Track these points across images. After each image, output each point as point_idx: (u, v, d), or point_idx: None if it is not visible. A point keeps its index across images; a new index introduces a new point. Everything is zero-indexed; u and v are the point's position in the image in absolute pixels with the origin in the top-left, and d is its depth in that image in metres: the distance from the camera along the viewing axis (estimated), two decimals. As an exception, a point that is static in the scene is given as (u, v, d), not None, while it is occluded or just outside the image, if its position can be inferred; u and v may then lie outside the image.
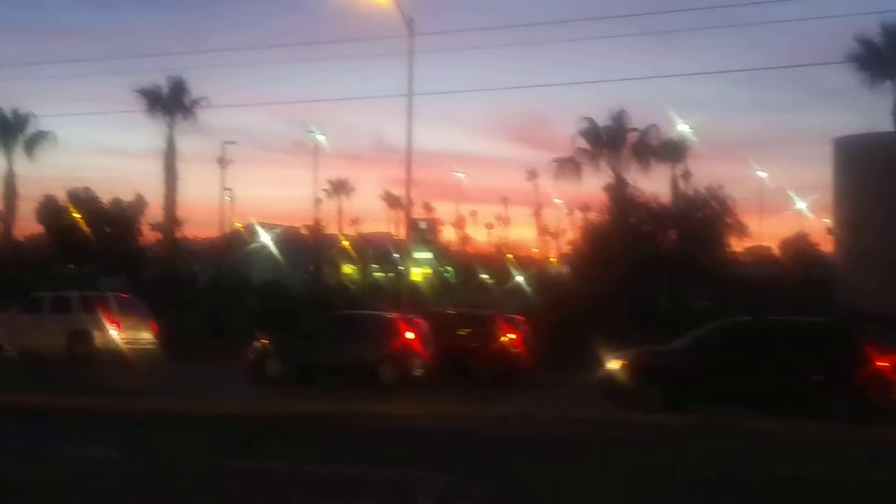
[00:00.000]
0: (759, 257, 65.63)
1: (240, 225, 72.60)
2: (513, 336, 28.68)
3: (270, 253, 66.61)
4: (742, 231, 50.32)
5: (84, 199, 59.10)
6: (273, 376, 27.78)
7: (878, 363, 19.27)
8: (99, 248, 57.47)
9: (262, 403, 20.81)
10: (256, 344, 29.10)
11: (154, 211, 56.86)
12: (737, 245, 53.03)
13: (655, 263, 41.86)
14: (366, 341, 27.19)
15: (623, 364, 21.55)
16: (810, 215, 68.97)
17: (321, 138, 77.48)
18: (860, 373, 19.35)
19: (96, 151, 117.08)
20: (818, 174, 58.21)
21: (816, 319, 24.29)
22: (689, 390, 20.73)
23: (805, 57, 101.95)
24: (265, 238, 67.52)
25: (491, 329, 28.94)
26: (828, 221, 50.87)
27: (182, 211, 55.25)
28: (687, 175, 51.29)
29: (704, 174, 54.92)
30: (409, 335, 27.08)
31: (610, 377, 21.63)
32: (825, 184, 45.93)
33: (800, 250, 62.54)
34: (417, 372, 26.84)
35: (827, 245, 52.09)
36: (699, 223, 44.98)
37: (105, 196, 59.74)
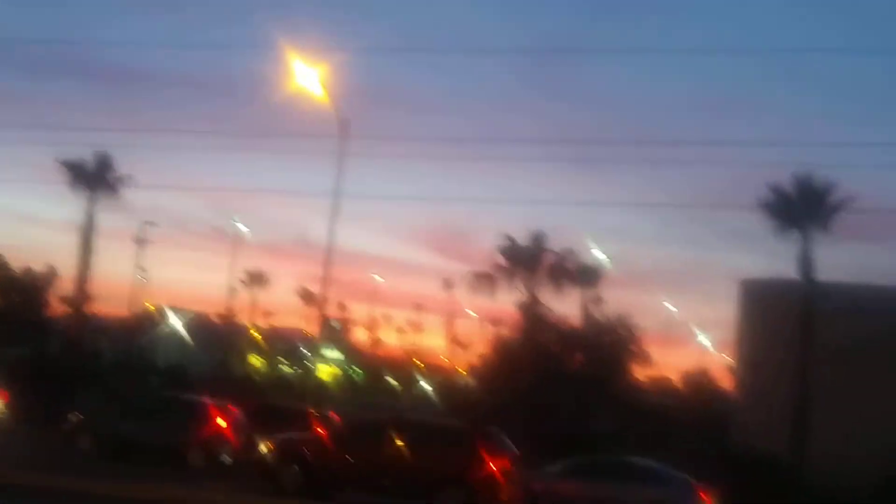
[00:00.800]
0: (661, 387, 66.23)
1: (151, 306, 71.63)
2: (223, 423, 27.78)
3: (179, 337, 65.72)
4: (646, 360, 50.69)
5: None
6: (85, 450, 27.24)
7: (491, 466, 20.96)
8: (5, 316, 55.94)
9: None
10: (72, 417, 28.97)
11: (66, 284, 55.57)
12: (640, 373, 53.61)
13: (560, 383, 42.00)
14: (178, 424, 26.79)
15: (270, 448, 22.67)
16: (712, 350, 70.35)
17: (243, 228, 77.32)
18: (474, 472, 20.90)
19: (13, 218, 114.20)
20: (721, 311, 59.40)
21: (444, 421, 25.71)
22: (327, 476, 21.84)
23: (715, 198, 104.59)
24: (175, 322, 66.74)
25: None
26: (728, 358, 51.75)
27: (94, 286, 53.98)
28: (598, 300, 51.85)
29: (614, 300, 55.14)
30: (221, 422, 26.98)
31: (260, 459, 22.84)
32: (728, 321, 46.74)
33: (700, 384, 63.45)
34: (226, 459, 26.61)
35: (726, 381, 52.92)
36: (606, 348, 45.38)
37: (15, 264, 58.29)
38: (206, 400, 28.82)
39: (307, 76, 28.88)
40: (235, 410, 28.09)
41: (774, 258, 43.01)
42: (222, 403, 28.30)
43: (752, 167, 57.13)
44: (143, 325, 68.73)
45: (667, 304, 76.58)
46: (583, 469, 25.06)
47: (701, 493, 23.88)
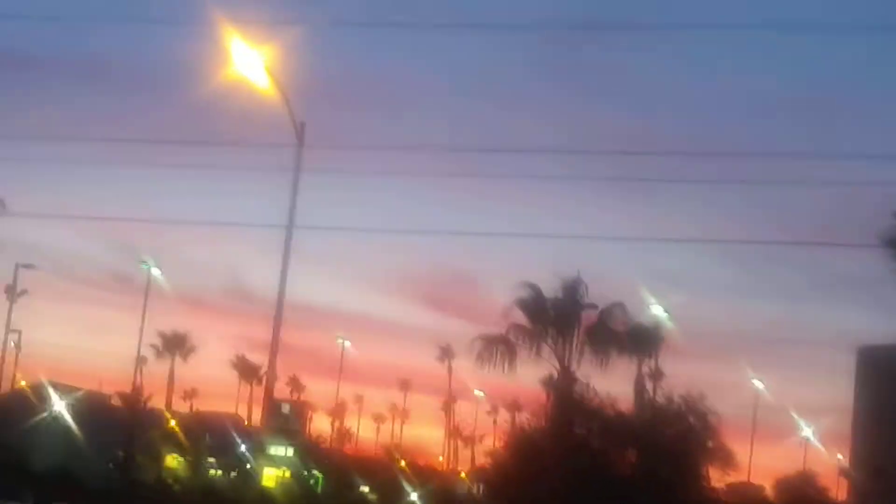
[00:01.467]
0: (746, 498, 66.21)
1: (25, 383, 71.51)
2: None
3: (65, 427, 65.48)
4: (727, 460, 50.82)
5: None
6: None
7: None
8: None
9: None
10: None
11: None
12: (717, 478, 53.53)
13: (604, 490, 42.02)
14: None
15: None
16: (819, 445, 70.17)
17: (156, 272, 77.28)
18: None
19: None
20: (833, 389, 59.18)
21: None
22: None
23: (817, 232, 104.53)
24: (59, 404, 66.43)
25: None
26: (841, 457, 51.80)
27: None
28: (657, 375, 51.98)
29: (680, 375, 55.06)
30: None
31: None
32: (841, 404, 46.77)
33: (801, 492, 63.41)
34: None
35: (839, 490, 52.97)
36: (669, 443, 45.30)
37: None
38: None
39: (249, 61, 29.04)
40: None
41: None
42: None
43: (868, 189, 57.38)
44: (13, 411, 68.58)
45: (755, 380, 76.45)
46: None
47: None
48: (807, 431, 71.00)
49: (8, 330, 65.78)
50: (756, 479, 71.48)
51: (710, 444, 47.06)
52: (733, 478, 62.99)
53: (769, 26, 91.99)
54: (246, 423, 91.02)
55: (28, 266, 66.40)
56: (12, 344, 67.02)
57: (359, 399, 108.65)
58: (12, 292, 64.52)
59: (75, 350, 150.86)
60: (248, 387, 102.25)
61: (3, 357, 66.29)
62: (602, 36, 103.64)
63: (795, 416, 72.70)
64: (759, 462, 73.85)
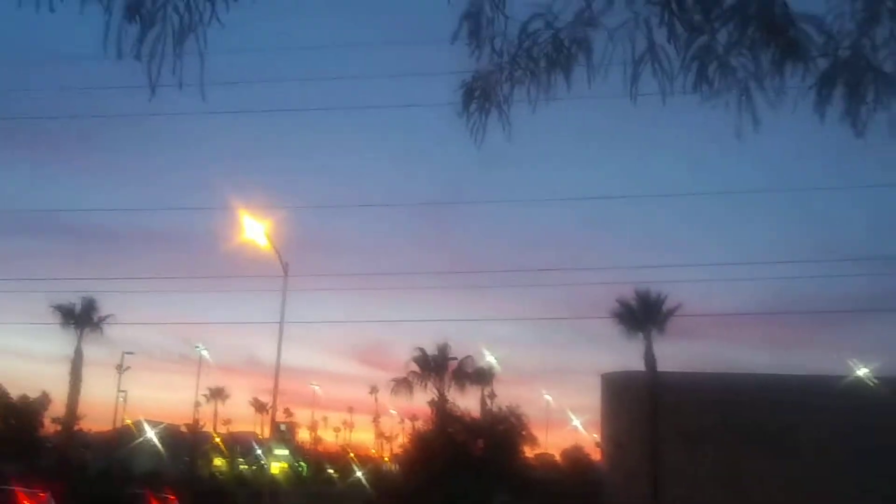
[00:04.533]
0: (546, 462, 65.99)
1: (130, 421, 69.15)
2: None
3: (154, 446, 63.35)
4: (533, 441, 51.06)
5: None
6: None
7: None
8: (2, 437, 54.22)
9: None
10: None
11: (58, 407, 53.91)
12: (529, 452, 53.51)
13: (466, 465, 41.60)
14: None
15: None
16: (584, 431, 70.41)
17: (204, 353, 75.99)
18: None
19: (11, 354, 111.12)
20: (589, 399, 59.86)
21: None
22: None
23: (579, 311, 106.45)
24: (150, 433, 64.31)
25: None
26: (596, 437, 51.94)
27: (82, 407, 52.48)
28: (492, 395, 51.99)
29: (505, 395, 55.34)
30: None
31: None
32: (595, 408, 47.08)
33: (576, 458, 63.32)
34: None
35: (596, 455, 52.94)
36: (501, 434, 45.17)
37: (14, 392, 56.96)
38: None
39: (255, 230, 28.97)
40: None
41: (626, 356, 43.70)
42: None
43: (606, 285, 58.51)
44: (123, 438, 66.29)
45: (546, 395, 76.78)
46: None
47: None
48: (576, 423, 71.03)
49: (118, 391, 63.72)
50: (550, 451, 71.31)
51: (523, 433, 47.07)
52: (537, 451, 63.17)
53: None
54: (260, 436, 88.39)
55: (129, 352, 64.55)
56: (122, 398, 64.82)
57: (324, 419, 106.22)
58: (121, 368, 62.68)
59: (159, 400, 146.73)
60: (261, 416, 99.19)
61: (116, 407, 64.17)
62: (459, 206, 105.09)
63: (570, 415, 73.04)
64: (551, 442, 73.93)
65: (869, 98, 4.33)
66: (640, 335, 38.82)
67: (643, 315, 38.78)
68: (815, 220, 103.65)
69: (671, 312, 38.75)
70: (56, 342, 51.63)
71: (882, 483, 35.06)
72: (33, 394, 57.15)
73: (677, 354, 74.07)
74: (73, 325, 49.64)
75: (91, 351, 51.15)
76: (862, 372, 37.53)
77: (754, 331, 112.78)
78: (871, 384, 36.77)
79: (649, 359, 38.62)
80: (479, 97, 4.48)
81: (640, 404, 37.67)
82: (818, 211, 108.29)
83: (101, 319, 50.17)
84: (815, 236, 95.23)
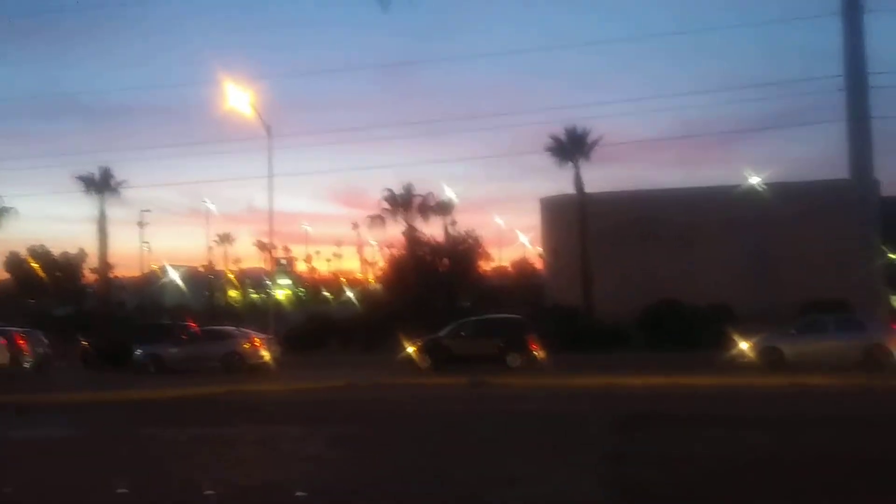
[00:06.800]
0: (500, 273, 67.69)
1: (155, 266, 69.38)
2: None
3: (177, 285, 63.90)
4: (488, 257, 52.17)
5: (39, 254, 56.48)
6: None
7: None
8: (52, 288, 54.48)
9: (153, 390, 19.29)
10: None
11: (93, 260, 54.01)
12: (485, 266, 54.67)
13: (435, 280, 42.56)
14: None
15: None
16: (529, 246, 71.79)
17: (211, 206, 75.14)
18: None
19: (48, 220, 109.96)
20: (532, 221, 60.97)
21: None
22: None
23: (520, 147, 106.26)
24: (173, 275, 64.67)
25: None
26: (539, 249, 53.16)
27: (113, 258, 52.52)
28: (453, 223, 52.35)
29: (463, 223, 56.08)
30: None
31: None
32: (537, 227, 47.91)
33: (523, 267, 65.13)
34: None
35: (539, 264, 54.43)
36: (462, 253, 45.86)
37: (56, 251, 56.93)
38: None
39: (240, 98, 28.05)
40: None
41: (560, 182, 44.08)
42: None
43: (540, 125, 58.19)
44: (150, 281, 66.79)
45: (497, 220, 77.74)
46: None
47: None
48: (523, 240, 72.12)
49: (141, 242, 63.54)
50: (503, 265, 72.92)
51: (480, 251, 47.88)
52: (492, 265, 64.69)
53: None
54: (265, 270, 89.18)
55: (146, 210, 63.54)
56: (146, 248, 64.74)
57: (317, 252, 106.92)
58: (141, 223, 62.16)
59: (177, 247, 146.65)
60: (264, 253, 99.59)
61: (141, 256, 64.29)
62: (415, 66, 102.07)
63: (519, 233, 74.14)
64: (504, 257, 75.42)
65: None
66: (571, 164, 39.02)
67: (571, 147, 38.84)
68: (714, 55, 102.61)
69: (595, 143, 38.86)
70: (83, 208, 51.03)
71: (760, 270, 36.89)
72: (72, 250, 57.10)
73: (603, 178, 74.98)
74: (94, 191, 49.03)
75: (113, 212, 50.62)
76: (754, 181, 38.28)
77: (667, 154, 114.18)
78: (760, 190, 37.70)
79: (578, 183, 39.07)
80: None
81: (572, 221, 38.45)
82: (716, 47, 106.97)
83: (118, 185, 49.47)
84: (716, 68, 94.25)
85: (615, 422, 11.99)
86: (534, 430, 11.92)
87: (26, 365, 26.66)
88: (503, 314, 27.55)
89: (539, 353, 23.95)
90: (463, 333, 24.86)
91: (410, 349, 24.52)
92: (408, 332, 25.45)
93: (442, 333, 25.02)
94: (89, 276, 57.12)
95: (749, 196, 37.59)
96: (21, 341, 27.12)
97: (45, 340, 29.10)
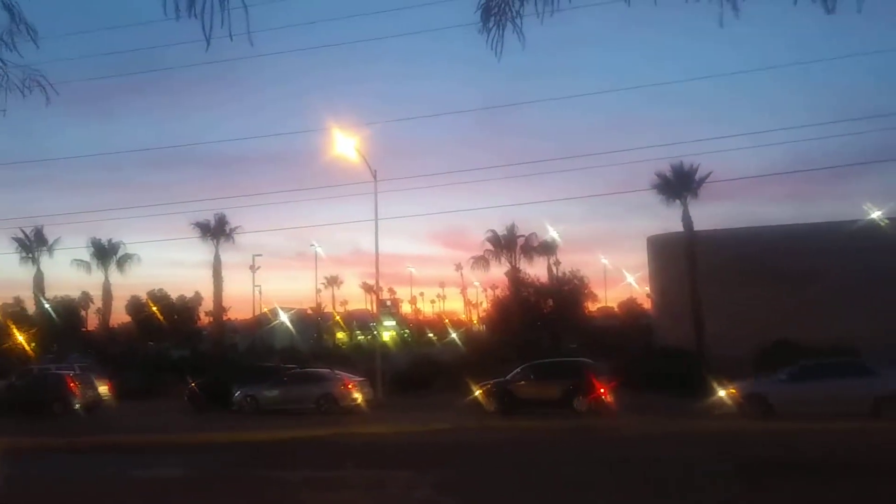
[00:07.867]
0: (606, 314, 66.31)
1: (266, 309, 71.99)
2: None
3: (287, 327, 65.97)
4: (594, 298, 51.36)
5: (158, 297, 59.66)
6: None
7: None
8: (170, 330, 57.26)
9: (266, 432, 19.40)
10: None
11: (207, 303, 56.66)
12: (591, 307, 53.86)
13: (539, 321, 42.28)
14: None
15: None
16: (636, 286, 70.06)
17: (318, 249, 77.64)
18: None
19: (166, 265, 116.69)
20: (639, 260, 59.45)
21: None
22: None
23: (623, 186, 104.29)
24: (283, 317, 66.83)
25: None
26: (647, 290, 51.86)
27: (226, 301, 54.80)
28: (557, 263, 51.97)
29: (567, 262, 55.49)
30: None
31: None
32: (644, 266, 46.84)
33: (630, 308, 63.58)
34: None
35: (647, 304, 53.02)
36: (566, 294, 45.53)
37: (173, 294, 60.01)
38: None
39: (347, 145, 29.12)
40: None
41: (667, 220, 42.94)
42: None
43: (644, 162, 57.09)
44: (261, 323, 69.17)
45: (603, 259, 76.40)
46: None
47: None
48: (629, 280, 70.43)
49: (253, 286, 66.24)
50: (609, 305, 71.44)
51: (585, 291, 47.31)
52: (598, 305, 63.45)
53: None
54: (371, 312, 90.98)
55: (258, 255, 66.78)
56: (257, 292, 67.44)
57: (421, 294, 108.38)
58: (253, 268, 64.98)
59: (286, 290, 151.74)
60: (369, 295, 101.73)
61: (253, 299, 66.94)
62: (513, 108, 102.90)
63: (625, 272, 72.57)
64: (609, 297, 73.92)
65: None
66: (678, 202, 38.04)
67: (678, 184, 37.88)
68: (822, 88, 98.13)
69: (703, 180, 37.74)
70: (199, 253, 53.43)
71: (886, 307, 34.43)
72: (188, 294, 59.97)
73: (711, 215, 72.65)
74: (209, 237, 51.35)
75: (227, 257, 52.83)
76: (874, 215, 36.21)
77: (778, 189, 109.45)
78: (882, 225, 35.56)
79: (686, 220, 37.97)
80: (496, 14, 4.41)
81: (680, 259, 37.37)
82: (823, 80, 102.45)
83: (232, 230, 51.63)
84: (826, 101, 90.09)
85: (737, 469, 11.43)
86: (639, 474, 11.53)
87: (77, 407, 27.47)
88: (570, 357, 27.37)
89: (607, 396, 22.99)
90: (530, 377, 24.28)
91: (477, 392, 24.35)
92: (508, 370, 25.26)
93: (509, 377, 24.78)
94: (204, 319, 59.89)
95: (870, 231, 35.48)
96: (72, 384, 28.23)
97: (96, 383, 30.04)
